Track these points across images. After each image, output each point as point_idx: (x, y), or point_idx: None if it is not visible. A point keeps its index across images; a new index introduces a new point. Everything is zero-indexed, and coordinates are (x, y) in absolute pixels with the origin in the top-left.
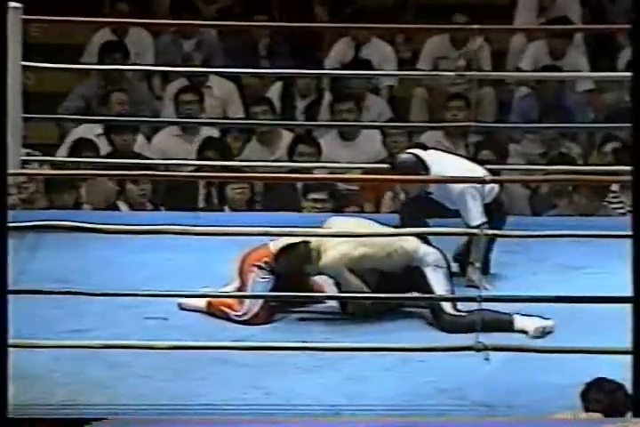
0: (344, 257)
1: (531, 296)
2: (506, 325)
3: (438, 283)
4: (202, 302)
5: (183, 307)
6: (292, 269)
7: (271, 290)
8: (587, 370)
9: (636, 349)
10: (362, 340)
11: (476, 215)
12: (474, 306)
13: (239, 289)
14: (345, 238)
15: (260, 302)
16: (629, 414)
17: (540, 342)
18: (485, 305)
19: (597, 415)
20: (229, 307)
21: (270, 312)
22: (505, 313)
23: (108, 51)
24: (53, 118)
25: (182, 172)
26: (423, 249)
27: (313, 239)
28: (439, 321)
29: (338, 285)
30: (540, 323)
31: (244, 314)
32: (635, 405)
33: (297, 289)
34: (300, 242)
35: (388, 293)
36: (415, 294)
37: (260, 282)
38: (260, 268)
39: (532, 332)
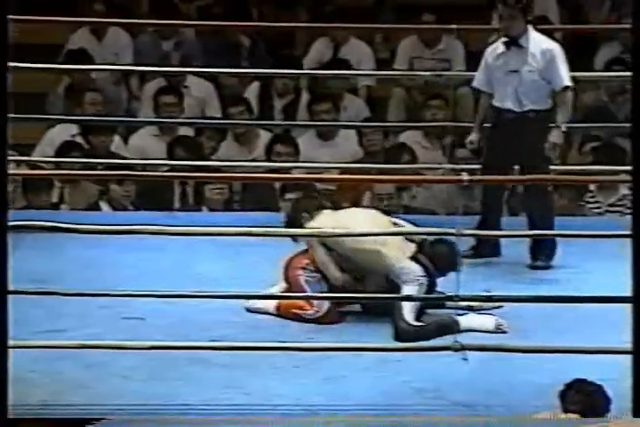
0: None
1: (527, 296)
2: (452, 327)
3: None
4: (271, 306)
5: (250, 309)
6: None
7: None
8: (565, 370)
9: (637, 349)
10: (341, 339)
11: (567, 76)
12: None
13: (288, 291)
14: (331, 222)
15: (327, 301)
16: (609, 415)
17: (518, 342)
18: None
19: (575, 416)
20: (300, 308)
21: (339, 310)
22: (448, 316)
23: (73, 59)
24: (36, 119)
25: (159, 172)
26: (404, 265)
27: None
28: (397, 330)
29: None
30: (491, 320)
31: (316, 312)
32: (634, 405)
33: None
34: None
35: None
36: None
37: (310, 281)
38: (304, 269)
39: (492, 328)
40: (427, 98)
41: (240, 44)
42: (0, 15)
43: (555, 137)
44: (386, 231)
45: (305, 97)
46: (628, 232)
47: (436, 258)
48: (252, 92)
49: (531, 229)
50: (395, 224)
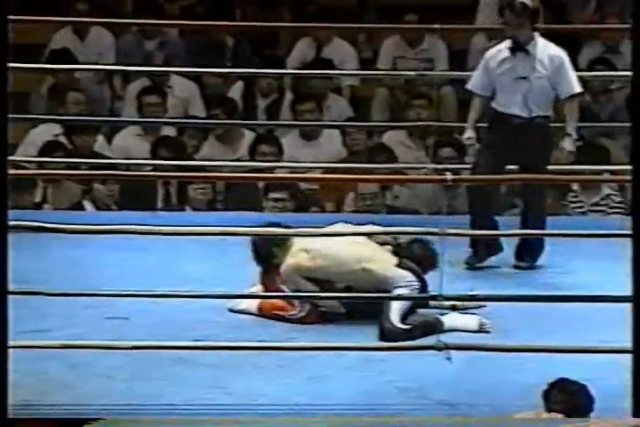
0: (298, 268)
1: (523, 296)
2: (436, 328)
3: (395, 304)
4: (253, 306)
5: (233, 310)
6: (268, 261)
7: None
8: (549, 369)
9: (637, 348)
10: (325, 339)
11: (576, 82)
12: None
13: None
14: (308, 248)
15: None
16: (592, 415)
17: (502, 342)
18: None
19: (559, 416)
20: (282, 309)
21: (321, 311)
22: (433, 316)
23: (57, 58)
24: (19, 118)
25: (143, 171)
26: (393, 274)
27: (294, 240)
28: (382, 331)
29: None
30: (474, 320)
31: (298, 313)
32: (634, 405)
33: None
34: (281, 239)
35: (356, 307)
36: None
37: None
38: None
39: (476, 328)
40: (410, 97)
41: (223, 44)
42: (0, 15)
43: (568, 144)
44: (369, 231)
45: (288, 97)
46: (628, 232)
47: (417, 259)
48: (235, 91)
49: (522, 228)
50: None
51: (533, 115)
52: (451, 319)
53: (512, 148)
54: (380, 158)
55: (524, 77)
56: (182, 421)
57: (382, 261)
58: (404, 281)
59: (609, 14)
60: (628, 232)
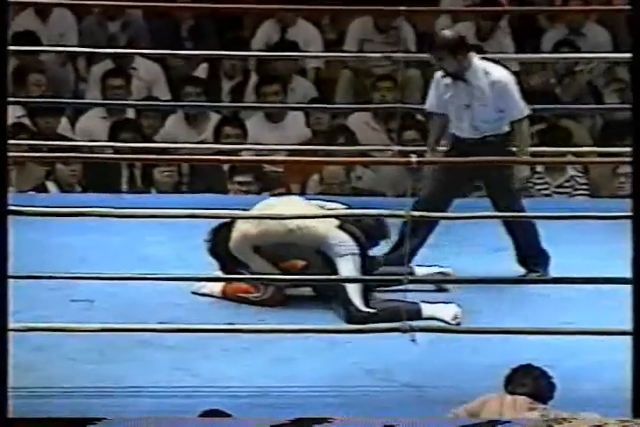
0: (245, 236)
1: (515, 278)
2: (413, 314)
3: (348, 272)
4: (216, 289)
5: (197, 293)
6: (222, 250)
7: None
8: (514, 351)
9: (637, 330)
10: (291, 321)
11: (520, 105)
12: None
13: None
14: (254, 222)
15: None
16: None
17: (467, 324)
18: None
19: (523, 398)
20: (246, 291)
21: (284, 293)
22: (412, 302)
23: (21, 41)
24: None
25: (107, 154)
26: (333, 234)
27: (237, 222)
28: (348, 315)
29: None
30: (451, 310)
31: (262, 295)
32: (634, 404)
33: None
34: (225, 224)
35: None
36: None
37: None
38: None
39: (449, 319)
40: (375, 79)
41: (187, 26)
42: (0, 9)
43: (521, 170)
44: (331, 213)
45: (253, 79)
46: (628, 213)
47: (364, 227)
48: (200, 73)
49: (515, 241)
50: (320, 207)
51: (485, 134)
52: (430, 308)
53: (471, 169)
54: (341, 140)
55: (468, 105)
56: (183, 421)
57: (320, 221)
58: (341, 243)
59: None
60: (629, 214)
